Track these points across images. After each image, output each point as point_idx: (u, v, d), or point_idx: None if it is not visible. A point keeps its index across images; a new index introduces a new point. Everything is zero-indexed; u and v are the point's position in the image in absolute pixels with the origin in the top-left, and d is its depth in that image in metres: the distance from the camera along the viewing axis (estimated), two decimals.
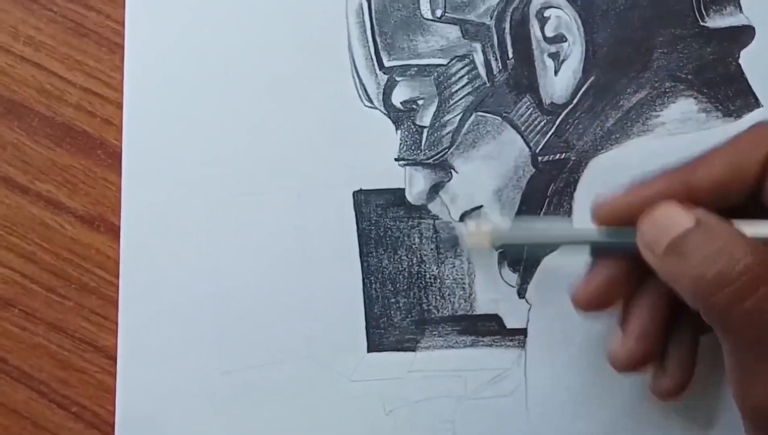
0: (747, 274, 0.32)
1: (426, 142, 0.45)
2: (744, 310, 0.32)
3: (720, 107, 0.45)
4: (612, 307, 0.39)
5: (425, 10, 0.46)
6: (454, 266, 0.44)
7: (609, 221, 0.38)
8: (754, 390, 0.34)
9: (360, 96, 0.46)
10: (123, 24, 0.47)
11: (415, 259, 0.44)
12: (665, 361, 0.39)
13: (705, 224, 0.34)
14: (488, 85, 0.45)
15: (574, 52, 0.45)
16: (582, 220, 0.44)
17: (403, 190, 0.45)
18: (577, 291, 0.39)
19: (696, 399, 0.41)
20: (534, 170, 0.44)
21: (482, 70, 0.45)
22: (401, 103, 0.45)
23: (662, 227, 0.35)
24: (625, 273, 0.38)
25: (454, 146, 0.45)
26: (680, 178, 0.36)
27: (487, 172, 0.45)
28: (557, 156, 0.45)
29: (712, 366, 0.39)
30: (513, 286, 0.44)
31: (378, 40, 0.46)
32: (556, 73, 0.45)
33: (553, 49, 0.45)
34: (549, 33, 0.45)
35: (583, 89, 0.45)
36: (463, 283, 0.44)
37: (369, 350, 0.43)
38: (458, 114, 0.45)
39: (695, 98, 0.45)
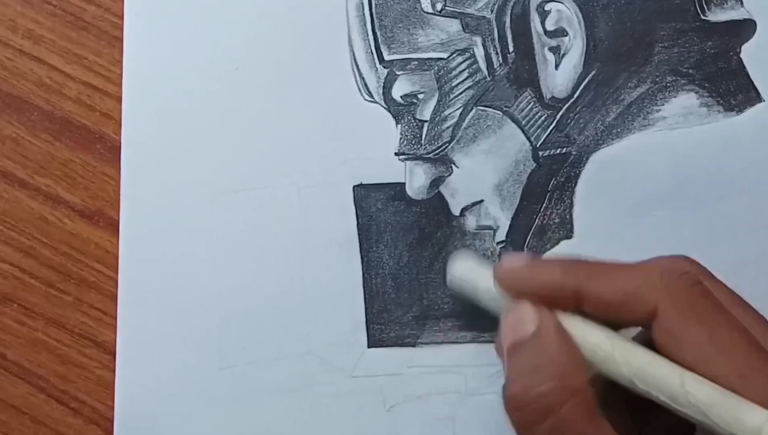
0: (539, 402, 0.32)
1: (426, 136, 0.45)
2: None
3: (721, 102, 0.45)
4: None
5: (425, 3, 0.46)
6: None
7: (504, 287, 0.36)
8: None
9: (360, 90, 0.45)
10: (122, 17, 0.47)
11: (415, 254, 0.44)
12: None
13: (538, 336, 0.34)
14: (489, 79, 0.45)
15: (575, 46, 0.45)
16: (582, 215, 0.44)
17: (404, 184, 0.45)
18: (497, 343, 0.38)
19: None
20: (535, 165, 0.44)
21: (483, 64, 0.45)
22: (401, 97, 0.45)
23: (513, 327, 0.35)
24: None
25: (455, 141, 0.45)
26: (574, 279, 0.34)
27: (487, 166, 0.45)
28: (558, 150, 0.44)
29: None
30: None
31: (378, 33, 0.46)
32: (556, 67, 0.45)
33: (553, 42, 0.45)
34: (550, 27, 0.45)
35: (584, 83, 0.45)
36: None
37: (369, 346, 0.43)
38: (459, 108, 0.45)
39: (696, 93, 0.45)
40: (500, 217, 0.44)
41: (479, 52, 0.45)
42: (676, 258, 0.35)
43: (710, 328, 0.32)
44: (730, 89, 0.45)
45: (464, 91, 0.45)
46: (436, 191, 0.45)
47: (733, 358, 0.32)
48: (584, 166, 0.44)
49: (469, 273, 0.38)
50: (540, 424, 0.32)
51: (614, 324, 0.34)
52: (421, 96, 0.45)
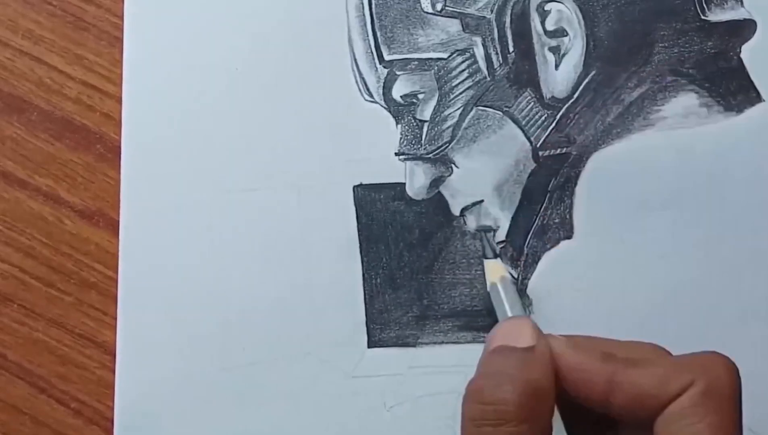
0: (502, 406, 0.32)
1: (426, 136, 0.45)
2: None
3: (721, 101, 0.45)
4: None
5: (425, 3, 0.46)
6: (454, 262, 0.44)
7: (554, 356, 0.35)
8: None
9: (360, 90, 0.45)
10: (122, 18, 0.47)
11: (415, 254, 0.44)
12: None
13: (533, 353, 0.34)
14: (489, 79, 0.45)
15: (575, 46, 0.45)
16: (582, 215, 0.44)
17: (404, 184, 0.45)
18: None
19: None
20: (535, 165, 0.44)
21: (483, 64, 0.45)
22: (401, 97, 0.45)
23: (507, 333, 0.35)
24: None
25: (455, 141, 0.45)
26: (609, 369, 0.34)
27: (487, 166, 0.45)
28: (558, 150, 0.44)
29: None
30: (514, 282, 0.44)
31: (378, 33, 0.46)
32: (556, 67, 0.45)
33: (553, 43, 0.45)
34: (550, 27, 0.45)
35: (584, 83, 0.45)
36: (464, 278, 0.44)
37: (369, 346, 0.43)
38: (459, 108, 0.45)
39: (697, 93, 0.45)
40: (500, 217, 0.44)
41: (479, 52, 0.45)
42: (718, 354, 0.34)
43: (721, 419, 0.32)
44: (731, 89, 0.45)
45: (464, 91, 0.45)
46: (436, 191, 0.45)
47: None
48: (584, 166, 0.44)
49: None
50: (491, 426, 0.32)
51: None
52: (421, 96, 0.45)
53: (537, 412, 0.33)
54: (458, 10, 0.46)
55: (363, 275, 0.44)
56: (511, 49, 0.45)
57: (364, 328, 0.43)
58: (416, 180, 0.45)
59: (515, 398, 0.32)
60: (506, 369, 0.34)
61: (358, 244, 0.44)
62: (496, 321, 0.43)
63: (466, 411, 0.33)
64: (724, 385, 0.32)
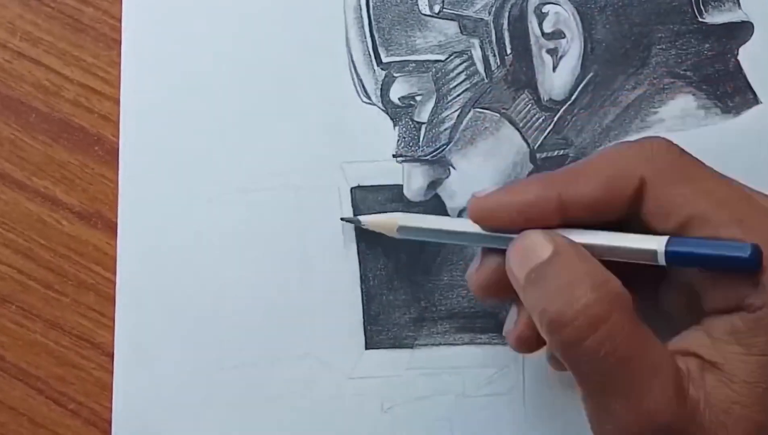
0: (586, 313, 0.32)
1: (424, 138, 0.45)
2: (585, 350, 0.32)
3: (719, 104, 0.45)
4: (506, 296, 0.37)
5: (423, 5, 0.46)
6: (452, 263, 0.44)
7: (480, 219, 0.37)
8: (604, 427, 0.33)
9: (358, 92, 0.45)
10: (120, 20, 0.47)
11: (413, 256, 0.44)
12: None
13: (559, 255, 0.34)
14: (486, 81, 0.45)
15: (573, 48, 0.45)
16: None
17: (401, 186, 0.45)
18: (470, 277, 0.38)
19: None
20: (532, 167, 0.44)
21: (480, 66, 0.45)
22: (399, 99, 0.45)
23: (524, 257, 0.34)
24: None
25: (453, 143, 0.45)
26: (555, 189, 0.35)
27: (485, 168, 0.45)
28: (556, 153, 0.44)
29: None
30: None
31: (376, 35, 0.46)
32: (554, 69, 0.45)
33: (551, 45, 0.45)
34: (547, 29, 0.45)
35: (581, 85, 0.45)
36: (462, 280, 0.44)
37: (367, 347, 0.43)
38: (456, 110, 0.45)
39: (694, 95, 0.45)
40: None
41: (477, 54, 0.45)
42: (654, 136, 0.36)
43: (701, 184, 0.34)
44: (728, 91, 0.45)
45: (462, 93, 0.45)
46: (434, 193, 0.45)
47: (728, 206, 0.33)
48: None
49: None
50: (588, 338, 0.32)
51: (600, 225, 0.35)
52: (418, 98, 0.45)
53: (614, 291, 0.32)
54: (456, 12, 0.46)
55: (360, 277, 0.44)
56: (508, 51, 0.45)
57: (362, 330, 0.44)
58: (414, 182, 0.45)
59: (592, 299, 0.32)
60: (558, 283, 0.33)
61: (355, 246, 0.44)
62: (495, 323, 0.43)
63: (557, 343, 0.33)
64: (673, 162, 0.35)
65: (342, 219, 0.44)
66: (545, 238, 0.34)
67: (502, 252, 0.36)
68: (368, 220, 0.43)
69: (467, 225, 0.38)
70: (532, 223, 0.35)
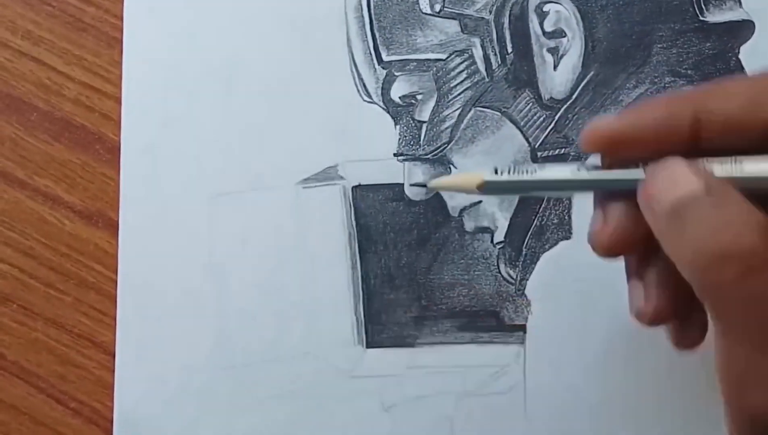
0: (753, 254, 0.28)
1: (425, 137, 0.45)
2: (746, 293, 0.28)
3: None
4: (634, 250, 0.33)
5: (424, 4, 0.46)
6: (453, 262, 0.44)
7: (601, 147, 0.32)
8: (750, 392, 0.29)
9: (359, 91, 0.45)
10: (122, 19, 0.47)
11: (414, 254, 0.44)
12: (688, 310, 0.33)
13: (714, 192, 0.29)
14: (487, 80, 0.45)
15: (574, 47, 0.45)
16: (581, 216, 0.44)
17: (402, 185, 0.45)
18: (595, 237, 0.33)
19: (697, 395, 0.41)
20: None
21: (481, 65, 0.45)
22: (400, 97, 0.45)
23: (666, 186, 0.30)
24: (637, 215, 0.32)
25: (453, 141, 0.45)
26: (689, 106, 0.31)
27: (486, 167, 0.44)
28: (556, 151, 0.44)
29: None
30: (512, 283, 0.44)
31: (377, 34, 0.46)
32: (555, 68, 0.45)
33: (552, 44, 0.45)
34: (548, 28, 0.45)
35: (582, 84, 0.45)
36: (463, 279, 0.44)
37: (368, 346, 0.43)
38: (457, 109, 0.45)
39: None
40: (499, 217, 0.44)
41: (478, 53, 0.45)
42: None
43: None
44: None
45: (463, 92, 0.45)
46: (435, 192, 0.45)
47: None
48: None
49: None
50: (755, 278, 0.28)
51: (738, 149, 0.31)
52: (419, 97, 0.45)
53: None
54: (457, 11, 0.46)
55: (361, 276, 0.44)
56: (509, 50, 0.45)
57: (363, 329, 0.43)
58: (414, 181, 0.45)
59: (758, 240, 0.28)
60: (716, 220, 0.29)
61: (357, 245, 0.44)
62: (496, 322, 0.43)
63: (720, 285, 0.28)
64: None
65: (411, 185, 0.43)
66: (692, 171, 0.30)
67: (624, 200, 0.32)
68: (444, 181, 0.36)
69: (572, 171, 0.32)
70: (663, 152, 0.31)
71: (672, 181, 0.30)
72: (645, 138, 0.31)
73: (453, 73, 0.45)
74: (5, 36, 0.47)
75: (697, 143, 0.31)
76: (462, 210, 0.44)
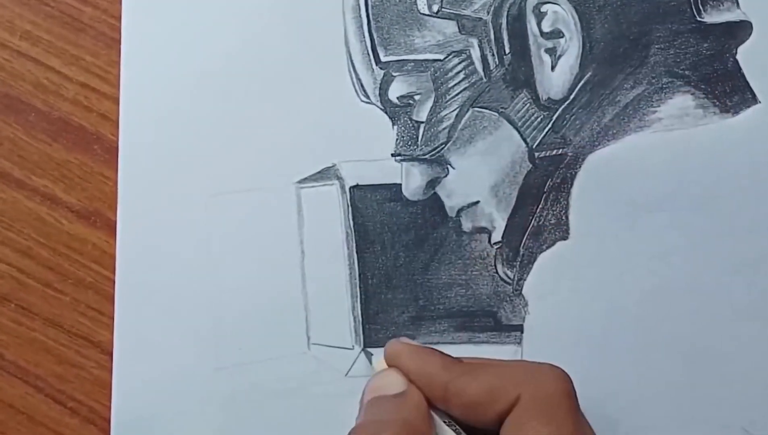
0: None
1: (423, 137, 0.45)
2: None
3: (717, 103, 0.45)
4: None
5: (422, 4, 0.46)
6: (451, 262, 0.44)
7: (388, 360, 0.39)
8: None
9: (356, 91, 0.46)
10: (120, 19, 0.47)
11: (411, 254, 0.44)
12: None
13: (404, 396, 0.36)
14: (485, 80, 0.45)
15: (571, 47, 0.45)
16: (578, 216, 0.44)
17: (400, 185, 0.45)
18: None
19: (695, 394, 0.41)
20: (531, 166, 0.44)
21: (479, 66, 0.45)
22: (398, 98, 0.45)
23: (376, 387, 0.37)
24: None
25: (451, 142, 0.45)
26: (449, 375, 0.36)
27: (483, 167, 0.45)
28: (554, 152, 0.44)
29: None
30: (509, 283, 0.44)
31: (375, 35, 0.46)
32: (552, 68, 0.45)
33: (549, 44, 0.45)
34: (546, 28, 0.45)
35: (580, 85, 0.45)
36: (460, 279, 0.44)
37: (365, 346, 0.43)
38: (455, 109, 0.45)
39: (692, 94, 0.45)
40: (496, 218, 0.44)
41: (475, 54, 0.45)
42: (550, 364, 0.36)
43: (560, 430, 0.34)
44: (726, 91, 0.45)
45: (460, 92, 0.45)
46: (432, 192, 0.45)
47: None
48: (580, 167, 0.44)
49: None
50: None
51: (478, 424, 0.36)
52: (417, 97, 0.45)
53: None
54: (454, 12, 0.46)
55: (359, 276, 0.44)
56: (507, 50, 0.45)
57: (361, 329, 0.44)
58: (412, 181, 0.45)
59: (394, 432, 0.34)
60: (383, 415, 0.35)
61: (354, 245, 0.44)
62: (493, 322, 0.43)
63: None
64: (552, 395, 0.34)
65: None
66: (402, 380, 0.37)
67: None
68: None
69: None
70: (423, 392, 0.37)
71: (382, 383, 0.37)
72: (414, 380, 0.37)
73: (451, 74, 0.45)
74: (3, 36, 0.47)
75: (449, 408, 0.36)
76: (460, 210, 0.44)
